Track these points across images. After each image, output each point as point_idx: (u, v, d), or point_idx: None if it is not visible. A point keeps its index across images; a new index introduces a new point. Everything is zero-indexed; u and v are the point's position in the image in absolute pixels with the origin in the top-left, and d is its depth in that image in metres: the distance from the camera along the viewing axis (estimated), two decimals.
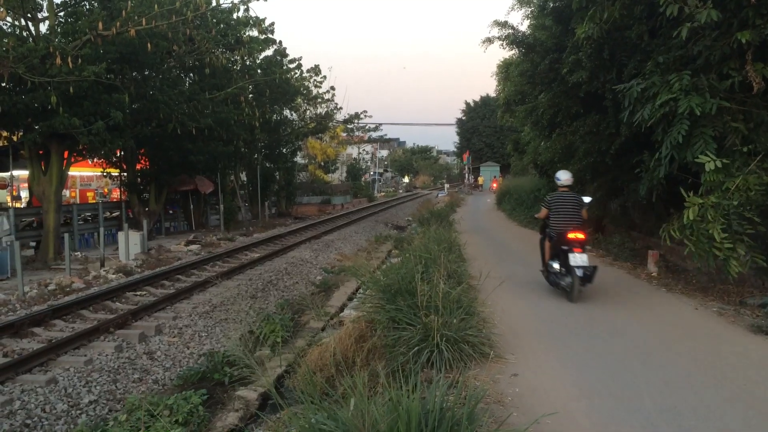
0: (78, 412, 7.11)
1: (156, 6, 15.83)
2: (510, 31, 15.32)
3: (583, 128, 13.57)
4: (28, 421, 6.69)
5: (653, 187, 9.33)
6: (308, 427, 3.69)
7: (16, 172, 21.71)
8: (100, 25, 15.11)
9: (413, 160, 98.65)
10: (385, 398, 3.77)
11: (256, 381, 7.50)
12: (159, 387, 8.12)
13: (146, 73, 20.62)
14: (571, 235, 9.19)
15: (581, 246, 9.08)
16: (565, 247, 9.17)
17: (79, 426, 6.41)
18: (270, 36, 28.54)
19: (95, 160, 22.84)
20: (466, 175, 69.67)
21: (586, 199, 9.97)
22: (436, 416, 3.60)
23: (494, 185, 35.89)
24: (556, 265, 9.52)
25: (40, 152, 17.91)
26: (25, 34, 16.27)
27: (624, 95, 8.93)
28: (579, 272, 8.92)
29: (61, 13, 17.87)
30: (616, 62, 11.39)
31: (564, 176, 9.96)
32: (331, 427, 3.56)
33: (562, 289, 9.46)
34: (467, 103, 74.93)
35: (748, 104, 7.99)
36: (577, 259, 8.89)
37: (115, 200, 26.97)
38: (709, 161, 7.49)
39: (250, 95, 26.84)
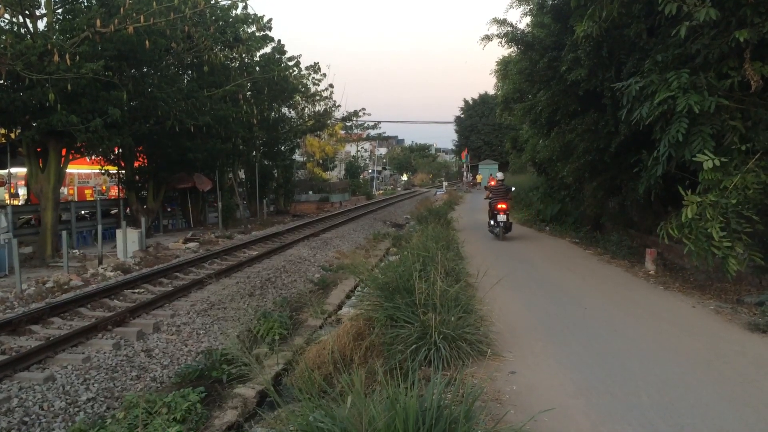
0: (76, 409, 7.11)
1: (154, 3, 15.79)
2: (509, 28, 15.31)
3: (581, 126, 13.59)
4: (26, 419, 6.69)
5: (651, 186, 9.34)
6: (306, 425, 3.69)
7: (14, 170, 21.72)
8: (98, 22, 15.07)
9: (412, 158, 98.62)
10: (382, 396, 3.77)
11: (254, 379, 7.51)
12: (157, 385, 8.12)
13: (144, 70, 20.57)
14: (498, 206, 16.84)
15: (504, 212, 16.87)
16: (495, 212, 17.05)
17: (77, 423, 6.41)
18: (268, 33, 28.52)
19: (93, 157, 22.76)
20: (465, 173, 69.64)
21: (512, 188, 18.37)
22: (434, 414, 3.61)
23: (491, 183, 38.19)
24: (492, 222, 17.41)
25: (38, 149, 17.87)
26: (23, 31, 16.22)
27: (622, 93, 8.94)
28: (501, 224, 16.85)
29: (59, 10, 17.82)
30: (614, 60, 11.40)
31: (499, 175, 19.03)
32: (329, 425, 3.56)
33: (495, 234, 17.22)
34: (466, 101, 74.99)
35: (746, 102, 8.00)
36: (500, 218, 16.82)
37: (113, 198, 26.94)
38: (707, 160, 7.50)
39: (249, 93, 26.82)
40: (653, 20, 9.49)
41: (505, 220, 16.82)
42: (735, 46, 7.57)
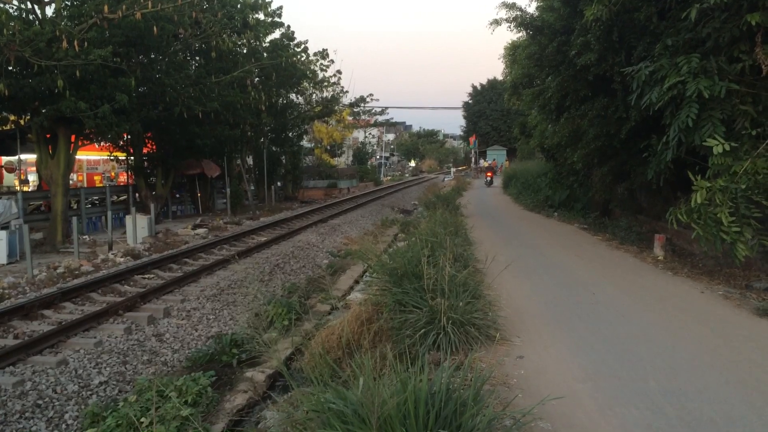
0: (88, 393, 7.20)
1: None
2: (518, 12, 15.13)
3: (591, 112, 13.48)
4: (40, 402, 6.78)
5: (661, 171, 9.30)
6: (318, 406, 3.74)
7: (23, 156, 21.81)
8: (106, 8, 15.06)
9: (419, 144, 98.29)
10: (392, 379, 3.81)
11: (264, 363, 7.59)
12: (168, 369, 8.21)
13: (152, 56, 20.53)
14: (488, 173, 43.40)
15: (490, 176, 42.17)
16: (486, 176, 42.91)
17: (89, 406, 6.50)
18: (277, 19, 28.44)
19: (102, 143, 22.86)
20: (473, 158, 69.33)
21: (495, 168, 49.07)
22: (443, 397, 3.65)
23: (486, 164, 51.58)
24: (486, 180, 42.22)
25: (48, 136, 17.94)
26: (31, 17, 16.22)
27: (632, 78, 8.87)
28: (488, 182, 41.45)
29: None
30: (624, 44, 11.29)
31: (490, 160, 57.05)
32: (341, 406, 3.61)
33: (486, 185, 41.10)
34: (474, 87, 74.39)
35: (757, 87, 7.94)
36: (488, 179, 41.80)
37: (122, 184, 27.07)
38: (717, 144, 7.46)
39: (257, 79, 26.76)
40: (664, 3, 9.39)
41: (490, 179, 40.84)
42: (746, 30, 7.49)
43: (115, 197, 23.05)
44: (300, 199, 35.98)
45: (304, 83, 34.15)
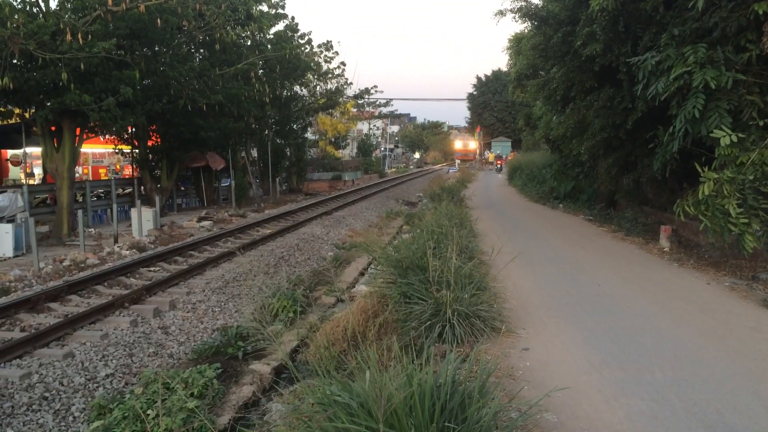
0: (95, 385, 7.23)
1: None
2: (522, 3, 15.06)
3: (597, 103, 13.42)
4: (47, 394, 6.81)
5: (667, 162, 9.26)
6: (323, 398, 3.74)
7: (29, 149, 21.86)
8: (110, 0, 15.04)
9: (424, 136, 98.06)
10: (398, 372, 3.81)
11: (270, 355, 7.61)
12: (174, 361, 8.23)
13: (156, 49, 20.52)
14: (497, 161, 53.92)
15: (501, 164, 51.51)
16: (496, 164, 53.79)
17: (96, 399, 6.52)
18: (281, 11, 28.36)
19: (107, 136, 22.88)
20: (477, 150, 69.19)
21: (504, 156, 56.62)
22: (449, 389, 3.65)
23: (491, 158, 59.25)
24: (496, 167, 53.08)
25: (53, 129, 17.96)
26: (35, 10, 16.21)
27: (638, 68, 8.82)
28: (498, 168, 51.44)
29: None
30: (630, 35, 11.21)
31: (495, 151, 60.79)
32: (346, 399, 3.60)
33: (496, 171, 50.55)
34: (479, 78, 74.22)
35: (764, 77, 7.88)
36: (498, 166, 52.37)
37: (127, 177, 27.10)
38: (724, 135, 7.41)
39: (261, 71, 26.70)
40: None
41: (500, 167, 49.92)
42: (753, 19, 7.43)
43: (120, 190, 23.08)
44: (304, 192, 35.96)
45: (309, 75, 34.01)
